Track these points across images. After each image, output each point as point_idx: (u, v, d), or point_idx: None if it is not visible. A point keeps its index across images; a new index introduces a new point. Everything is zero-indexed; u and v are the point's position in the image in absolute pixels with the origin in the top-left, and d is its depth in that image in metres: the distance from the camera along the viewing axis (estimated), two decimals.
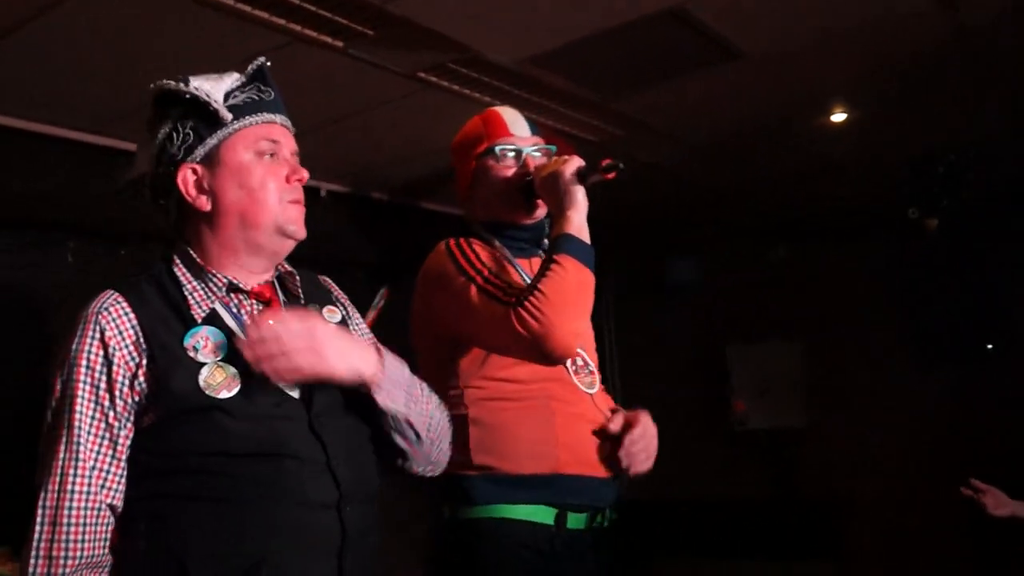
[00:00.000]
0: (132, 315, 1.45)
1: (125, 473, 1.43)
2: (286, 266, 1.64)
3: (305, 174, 1.58)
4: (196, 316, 1.48)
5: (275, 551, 1.38)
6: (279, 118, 1.58)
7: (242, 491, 1.39)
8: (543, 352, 1.76)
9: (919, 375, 5.30)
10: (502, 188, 2.04)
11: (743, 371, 5.88)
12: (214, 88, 1.52)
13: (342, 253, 4.73)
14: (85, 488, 1.38)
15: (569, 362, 1.99)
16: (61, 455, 1.39)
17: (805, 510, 5.62)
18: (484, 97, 3.43)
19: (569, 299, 1.76)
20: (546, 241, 2.06)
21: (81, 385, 1.42)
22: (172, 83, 1.52)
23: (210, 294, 1.51)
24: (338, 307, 1.72)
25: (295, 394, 1.49)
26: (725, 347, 5.89)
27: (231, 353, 1.45)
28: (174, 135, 1.52)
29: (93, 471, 1.39)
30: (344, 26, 2.76)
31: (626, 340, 5.83)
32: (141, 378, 1.42)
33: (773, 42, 3.16)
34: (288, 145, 1.59)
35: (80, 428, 1.40)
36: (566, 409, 1.93)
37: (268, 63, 1.62)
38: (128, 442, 1.43)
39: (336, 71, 3.10)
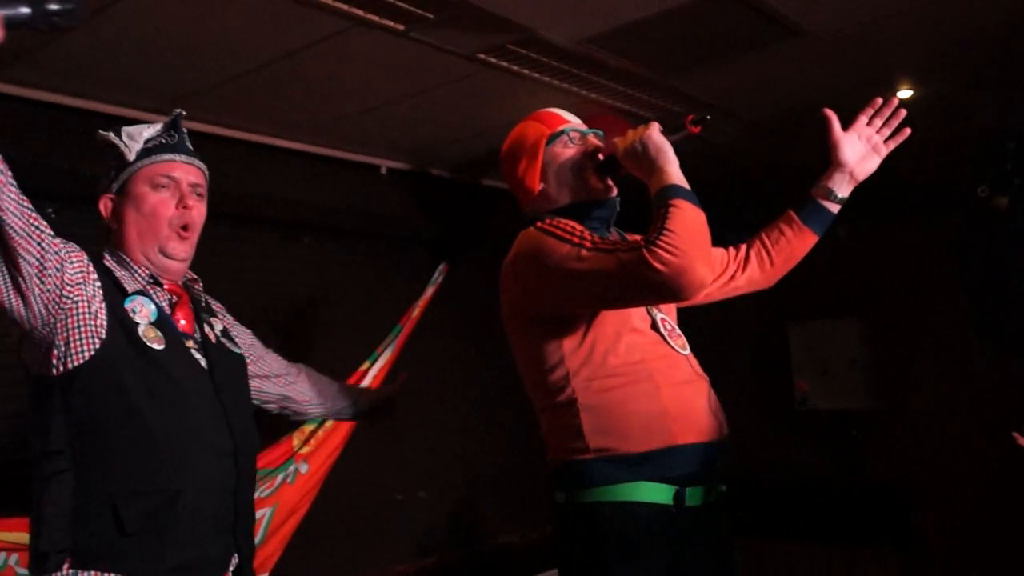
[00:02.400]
0: (95, 271, 1.81)
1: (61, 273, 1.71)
2: (191, 274, 2.02)
3: (191, 203, 1.91)
4: (128, 289, 1.84)
5: (186, 489, 1.70)
6: (180, 157, 1.93)
7: (158, 435, 1.70)
8: (681, 285, 1.74)
9: (986, 358, 5.16)
10: (578, 164, 2.08)
11: (804, 351, 5.82)
12: (139, 134, 1.90)
13: (402, 229, 4.81)
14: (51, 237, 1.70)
15: (662, 327, 2.04)
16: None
17: (869, 494, 5.55)
18: (543, 77, 3.46)
19: (696, 233, 1.78)
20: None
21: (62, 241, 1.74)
22: (104, 133, 1.93)
23: (135, 281, 1.87)
24: (220, 318, 2.10)
25: (204, 364, 1.86)
26: (786, 326, 5.83)
27: (160, 320, 1.82)
28: (106, 171, 1.94)
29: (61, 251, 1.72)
30: (405, 10, 2.81)
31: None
32: (98, 309, 1.74)
33: (838, 20, 3.11)
34: (187, 179, 1.93)
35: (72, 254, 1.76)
36: (669, 377, 1.96)
37: (183, 114, 2.00)
38: (59, 279, 1.70)
39: (397, 53, 3.15)
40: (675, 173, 1.88)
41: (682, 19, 3.01)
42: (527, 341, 2.05)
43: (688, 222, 1.78)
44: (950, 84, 3.85)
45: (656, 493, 1.89)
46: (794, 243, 2.30)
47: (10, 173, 1.59)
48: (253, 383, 2.13)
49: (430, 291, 4.41)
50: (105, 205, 1.92)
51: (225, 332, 2.04)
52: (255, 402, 2.18)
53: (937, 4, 3.02)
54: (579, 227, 1.95)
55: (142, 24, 2.85)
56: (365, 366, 4.02)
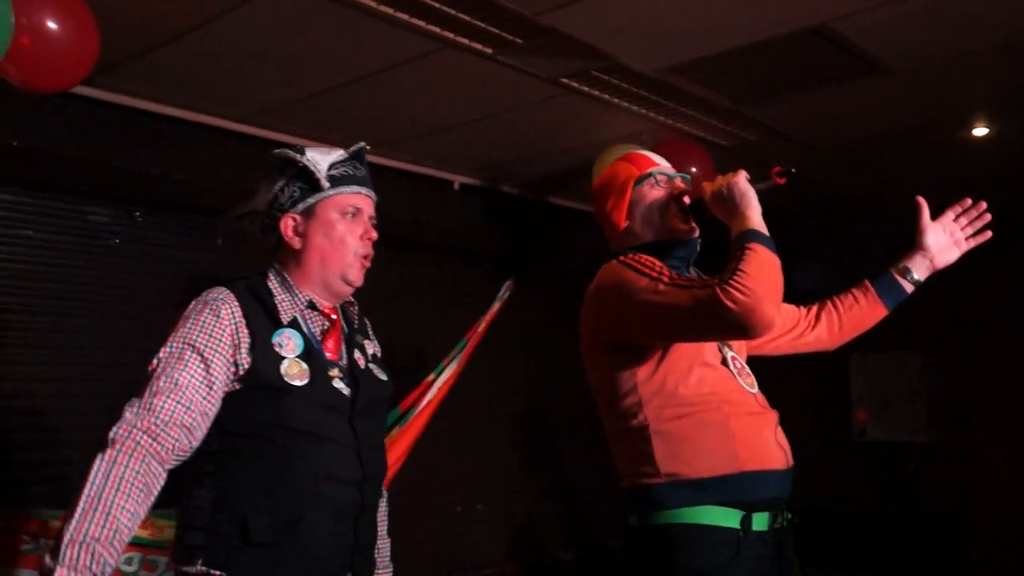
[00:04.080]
0: (239, 308, 1.84)
1: (209, 420, 1.76)
2: (350, 297, 2.05)
3: (374, 235, 1.99)
4: (283, 319, 1.88)
5: (311, 512, 1.77)
6: (364, 190, 2.00)
7: (292, 461, 1.78)
8: (750, 324, 1.83)
9: None
10: (664, 206, 2.17)
11: (865, 381, 5.80)
12: (321, 158, 1.94)
13: (470, 243, 4.90)
14: (172, 408, 1.70)
15: (731, 364, 2.12)
16: (163, 382, 1.72)
17: (926, 526, 5.49)
18: (622, 102, 3.53)
19: (768, 277, 1.86)
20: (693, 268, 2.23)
21: (196, 337, 1.78)
22: (292, 153, 1.94)
23: (294, 306, 1.92)
24: (373, 342, 2.11)
25: (346, 392, 1.90)
26: (848, 356, 5.81)
27: (306, 353, 1.86)
28: (284, 190, 1.96)
29: (184, 396, 1.72)
30: (495, 35, 2.90)
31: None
32: (243, 351, 1.80)
33: (918, 57, 3.15)
34: (368, 211, 2.00)
35: (187, 367, 1.75)
36: (736, 410, 2.04)
37: (368, 148, 2.04)
38: (219, 392, 1.77)
39: (483, 75, 3.25)
40: (756, 219, 1.97)
41: (765, 53, 3.06)
42: (603, 367, 2.14)
43: (762, 265, 1.87)
44: (1022, 122, 3.85)
45: (724, 517, 1.96)
46: (865, 312, 2.38)
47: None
48: None
49: (496, 306, 4.46)
50: (287, 224, 1.95)
51: (375, 357, 2.07)
52: None
53: (1012, 44, 3.04)
54: (658, 263, 2.04)
55: (239, 40, 2.98)
56: (431, 377, 4.08)
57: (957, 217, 2.42)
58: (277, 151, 1.97)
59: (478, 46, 3.00)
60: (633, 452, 2.05)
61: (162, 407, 1.69)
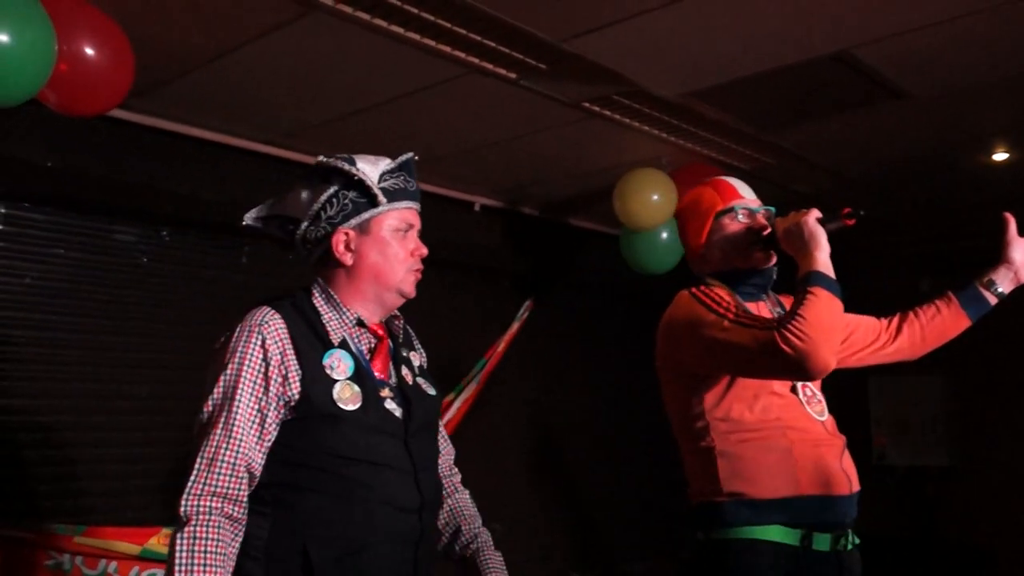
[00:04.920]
0: (286, 331, 1.78)
1: (265, 456, 1.74)
2: (396, 311, 1.99)
3: (425, 251, 1.93)
4: (333, 340, 1.83)
5: (372, 541, 1.74)
6: (415, 204, 1.94)
7: (352, 490, 1.74)
8: (805, 368, 1.92)
9: None
10: (741, 239, 2.23)
11: (884, 405, 5.78)
12: (372, 169, 1.86)
13: (490, 263, 4.93)
14: (232, 460, 1.69)
15: (801, 392, 2.20)
16: (218, 432, 1.70)
17: (944, 553, 5.45)
18: (643, 126, 3.56)
19: (826, 322, 1.92)
20: (770, 291, 2.31)
21: (243, 379, 1.73)
22: (341, 163, 1.83)
23: (343, 324, 1.86)
24: (419, 352, 2.07)
25: (398, 414, 1.85)
26: (867, 380, 5.80)
27: (356, 374, 1.81)
28: (335, 201, 1.85)
29: (241, 444, 1.70)
30: (519, 60, 2.95)
31: None
32: (291, 380, 1.75)
33: (940, 83, 3.17)
34: (417, 226, 1.95)
35: (237, 413, 1.71)
36: (802, 437, 2.11)
37: (416, 158, 1.95)
38: (272, 429, 1.75)
39: (506, 99, 3.29)
40: (822, 260, 2.03)
41: (785, 78, 3.10)
42: (675, 391, 2.24)
43: (821, 311, 1.93)
44: None
45: (784, 535, 2.05)
46: (948, 323, 2.42)
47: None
48: None
49: (515, 326, 4.49)
50: (339, 239, 1.85)
51: (422, 369, 2.02)
52: None
53: None
54: (727, 298, 2.13)
55: (267, 65, 3.04)
56: (450, 397, 4.11)
57: None
58: (323, 159, 1.85)
59: (502, 71, 3.05)
60: (701, 471, 2.16)
61: (223, 461, 1.68)
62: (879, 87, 3.17)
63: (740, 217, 2.25)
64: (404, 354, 1.98)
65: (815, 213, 2.08)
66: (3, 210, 3.30)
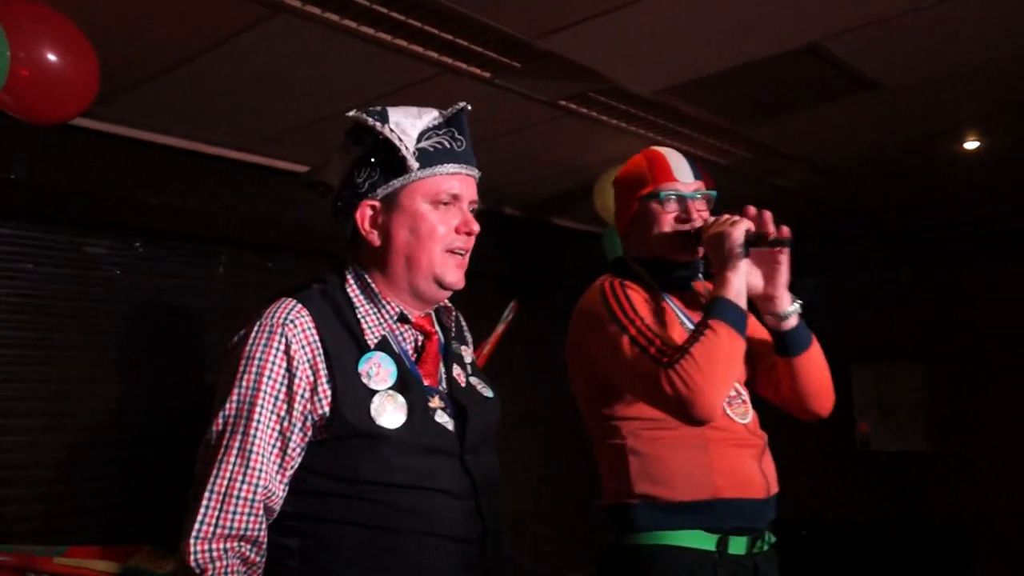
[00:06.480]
0: (315, 331, 1.46)
1: (287, 486, 1.46)
2: (446, 301, 1.66)
3: (476, 227, 1.58)
4: (370, 342, 1.49)
5: None
6: (465, 168, 1.56)
7: (399, 521, 1.42)
8: (687, 414, 1.80)
9: None
10: (664, 231, 2.06)
11: (867, 393, 5.81)
12: (411, 125, 1.51)
13: (473, 264, 4.86)
14: (250, 495, 1.41)
15: None
16: (232, 460, 1.40)
17: (929, 537, 5.48)
18: (620, 123, 3.55)
19: (718, 366, 1.79)
20: (701, 277, 2.16)
21: (262, 394, 1.42)
22: (371, 120, 1.51)
23: (382, 321, 1.53)
24: (469, 346, 1.77)
25: (451, 427, 1.52)
26: (850, 368, 5.83)
27: (400, 382, 1.48)
28: (362, 167, 1.55)
29: (260, 476, 1.41)
30: (493, 59, 2.92)
31: None
32: (320, 394, 1.44)
33: (908, 74, 3.17)
34: (468, 196, 1.57)
35: (256, 436, 1.41)
36: (720, 436, 1.96)
37: (468, 108, 1.59)
38: (296, 455, 1.45)
39: (481, 99, 3.24)
40: (735, 286, 1.88)
41: (759, 73, 3.08)
42: (584, 382, 2.10)
43: (716, 352, 1.79)
44: (1014, 136, 3.89)
45: (699, 540, 1.93)
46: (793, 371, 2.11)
47: None
48: None
49: (500, 328, 4.46)
50: (364, 213, 1.54)
51: (475, 368, 1.70)
52: None
53: (1007, 60, 3.07)
54: (637, 302, 1.96)
55: (237, 69, 2.98)
56: None
57: None
58: (352, 113, 1.54)
59: (476, 70, 3.01)
60: (612, 469, 2.03)
61: (239, 497, 1.39)
62: (852, 79, 3.16)
63: (667, 206, 2.05)
64: (455, 349, 1.66)
65: (743, 225, 1.93)
66: None
